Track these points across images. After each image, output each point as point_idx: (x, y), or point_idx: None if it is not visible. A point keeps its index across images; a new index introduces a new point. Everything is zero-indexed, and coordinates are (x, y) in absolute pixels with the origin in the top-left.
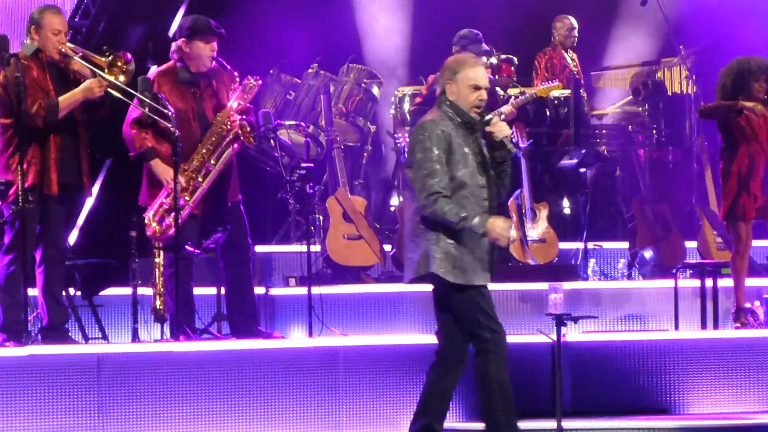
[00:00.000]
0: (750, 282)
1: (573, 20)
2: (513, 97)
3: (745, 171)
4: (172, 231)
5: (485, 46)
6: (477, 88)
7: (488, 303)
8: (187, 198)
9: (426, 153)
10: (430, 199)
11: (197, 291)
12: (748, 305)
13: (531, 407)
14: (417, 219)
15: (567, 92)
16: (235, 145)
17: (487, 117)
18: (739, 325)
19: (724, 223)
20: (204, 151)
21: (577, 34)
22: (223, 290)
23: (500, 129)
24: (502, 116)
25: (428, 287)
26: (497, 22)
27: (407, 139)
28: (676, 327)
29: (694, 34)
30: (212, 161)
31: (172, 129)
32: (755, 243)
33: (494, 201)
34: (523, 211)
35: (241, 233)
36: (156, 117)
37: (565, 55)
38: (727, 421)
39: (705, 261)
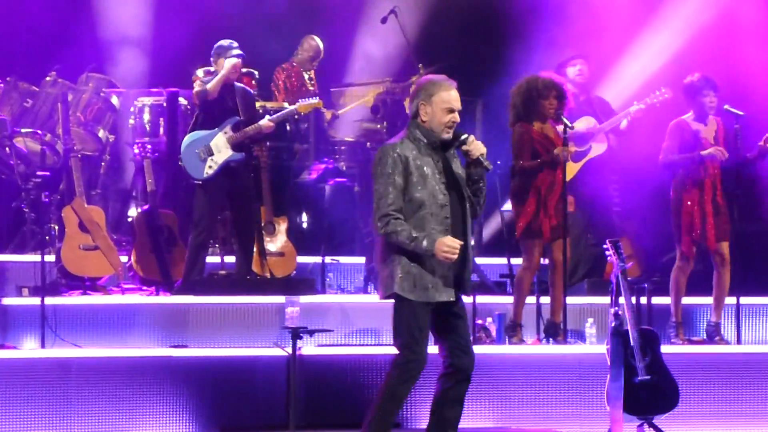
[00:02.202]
0: (483, 299)
1: (321, 46)
2: (271, 112)
3: (544, 190)
4: None
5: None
6: (451, 110)
7: (423, 325)
8: None
9: (380, 177)
10: (383, 221)
11: None
12: (480, 321)
13: (266, 420)
14: (380, 240)
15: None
16: None
17: (463, 137)
18: (516, 340)
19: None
20: None
21: (318, 63)
22: None
23: (476, 147)
24: (261, 129)
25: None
26: (239, 34)
27: (147, 149)
28: None
29: (432, 53)
30: None
31: None
32: (488, 261)
33: (464, 218)
34: (263, 224)
35: None
36: None
37: (304, 73)
38: None
39: None
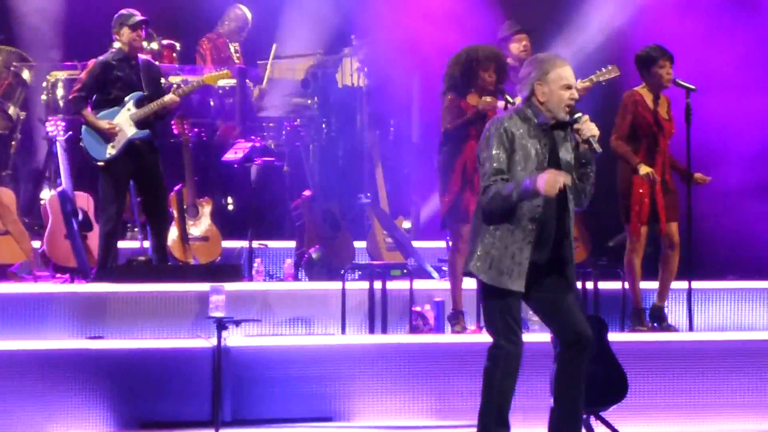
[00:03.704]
0: (420, 285)
1: (248, 15)
2: (175, 86)
3: (470, 167)
4: None
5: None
6: (569, 87)
7: (514, 313)
8: None
9: (486, 151)
10: (486, 193)
11: None
12: (418, 309)
13: (189, 416)
14: (474, 215)
15: (233, 82)
16: None
17: (576, 116)
18: (458, 329)
19: (395, 222)
20: None
21: (246, 33)
22: None
23: (588, 128)
24: (165, 105)
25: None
26: (160, 3)
27: (61, 127)
28: (343, 331)
29: (366, 25)
30: None
31: None
32: (425, 244)
33: (561, 208)
34: (185, 207)
35: None
36: None
37: (230, 45)
38: (392, 431)
39: (374, 262)
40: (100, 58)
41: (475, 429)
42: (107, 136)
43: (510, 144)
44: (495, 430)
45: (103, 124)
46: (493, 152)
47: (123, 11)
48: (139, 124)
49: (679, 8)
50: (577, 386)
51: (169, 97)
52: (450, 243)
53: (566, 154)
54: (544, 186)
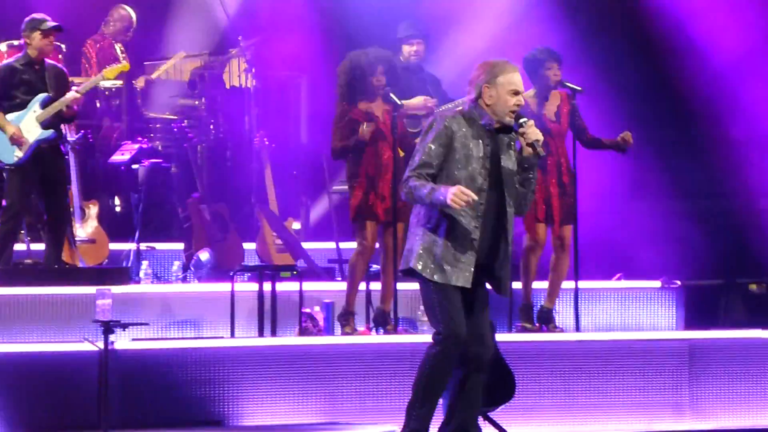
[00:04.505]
0: (310, 286)
1: (133, 15)
2: (77, 83)
3: (372, 171)
4: None
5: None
6: (516, 93)
7: (457, 304)
8: None
9: (422, 143)
10: (404, 184)
11: None
12: (307, 310)
13: (76, 420)
14: (414, 212)
15: (119, 83)
16: None
17: (522, 120)
18: (348, 329)
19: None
20: None
21: (132, 33)
22: None
23: (533, 132)
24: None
25: None
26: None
27: None
28: (232, 334)
29: (252, 25)
30: None
31: None
32: (315, 246)
33: (500, 210)
34: (71, 209)
35: None
36: None
37: (116, 45)
38: None
39: (264, 264)
40: (4, 62)
41: (365, 429)
42: (14, 140)
43: (449, 142)
44: (420, 414)
45: (10, 129)
46: (428, 145)
47: (35, 15)
48: (45, 125)
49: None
50: (475, 401)
51: (71, 94)
52: (337, 244)
53: (507, 160)
54: (452, 199)
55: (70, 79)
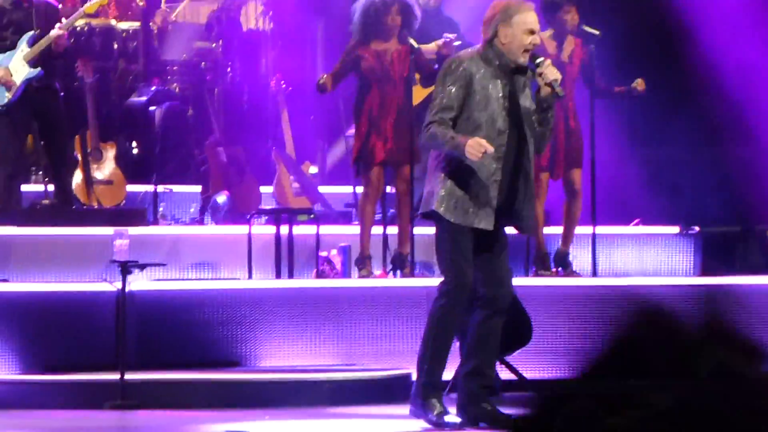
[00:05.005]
0: (327, 230)
1: None
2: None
3: (376, 111)
4: None
5: None
6: (531, 32)
7: (468, 254)
8: None
9: (440, 86)
10: (425, 130)
11: None
12: (324, 254)
13: (94, 361)
14: (432, 155)
15: (136, 24)
16: None
17: (539, 60)
18: (364, 273)
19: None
20: None
21: None
22: None
23: (550, 71)
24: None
25: None
26: None
27: None
28: (250, 276)
29: None
30: None
31: None
32: (332, 189)
33: (521, 150)
34: (89, 150)
35: None
36: None
37: None
38: (299, 374)
39: (280, 207)
40: None
41: (380, 372)
42: (3, 81)
43: (468, 84)
44: (430, 366)
45: None
46: (447, 88)
47: None
48: (33, 63)
49: None
50: (493, 345)
51: (54, 32)
52: (354, 189)
53: (525, 100)
54: (469, 151)
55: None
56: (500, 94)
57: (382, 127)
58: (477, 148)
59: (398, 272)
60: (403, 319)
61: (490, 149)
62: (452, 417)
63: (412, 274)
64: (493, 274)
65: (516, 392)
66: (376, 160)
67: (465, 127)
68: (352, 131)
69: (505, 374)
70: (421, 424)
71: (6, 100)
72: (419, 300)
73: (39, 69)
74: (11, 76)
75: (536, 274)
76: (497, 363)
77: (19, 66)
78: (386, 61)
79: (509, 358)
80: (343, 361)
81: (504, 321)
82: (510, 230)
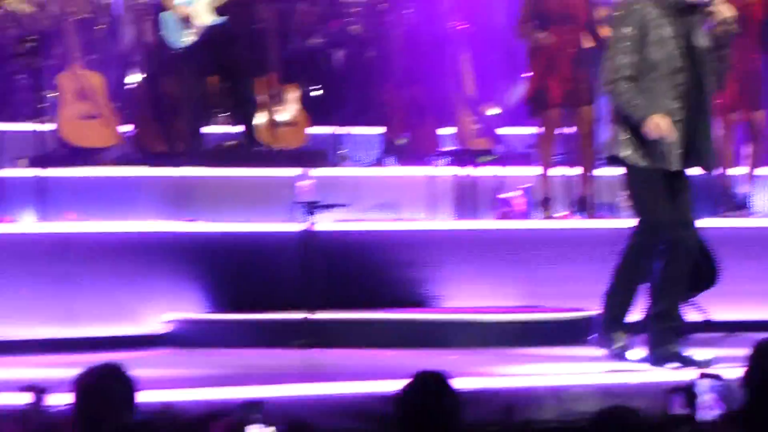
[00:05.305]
0: (508, 171)
1: None
2: None
3: (553, 50)
4: None
5: None
6: None
7: (660, 195)
8: None
9: (615, 31)
10: (608, 78)
11: None
12: (505, 195)
13: (279, 300)
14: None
15: None
16: None
17: None
18: (546, 215)
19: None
20: None
21: None
22: None
23: (725, 8)
24: None
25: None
26: None
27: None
28: (432, 217)
29: None
30: None
31: None
32: (513, 131)
33: (700, 88)
34: (271, 92)
35: None
36: None
37: None
38: (483, 315)
39: (461, 148)
40: None
41: (565, 313)
42: (186, 23)
43: (643, 26)
44: (617, 303)
45: (181, 9)
46: (623, 33)
47: None
48: (220, 10)
49: None
50: (679, 286)
51: None
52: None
53: (700, 38)
54: (649, 127)
55: None
56: (675, 34)
57: (559, 67)
58: (656, 130)
59: (579, 214)
60: (586, 261)
61: (672, 136)
62: (634, 353)
63: (594, 216)
64: (679, 215)
65: (702, 333)
66: (553, 101)
67: (642, 68)
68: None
69: (692, 315)
70: (606, 365)
71: (182, 44)
72: (602, 241)
73: (225, 17)
74: (194, 18)
75: (721, 216)
76: (684, 304)
77: (203, 11)
78: (567, 1)
79: (695, 300)
80: (526, 303)
81: (690, 263)
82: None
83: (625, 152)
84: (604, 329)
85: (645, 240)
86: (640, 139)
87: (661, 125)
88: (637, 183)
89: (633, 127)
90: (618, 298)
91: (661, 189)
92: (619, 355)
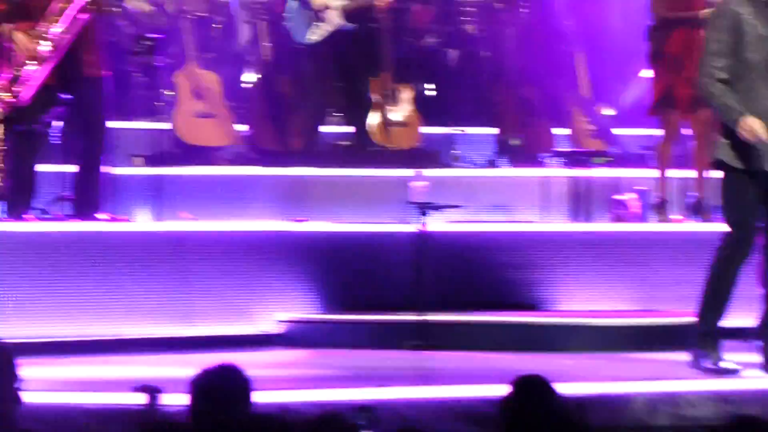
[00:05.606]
0: (623, 173)
1: None
2: None
3: (679, 51)
4: (19, 102)
5: None
6: None
7: (749, 206)
8: (36, 67)
9: (709, 33)
10: (702, 81)
11: (45, 168)
12: (620, 197)
13: (391, 300)
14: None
15: None
16: (84, 15)
17: None
18: (662, 218)
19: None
20: (51, 18)
21: None
22: (72, 169)
23: None
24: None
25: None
26: None
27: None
28: (545, 218)
29: None
30: (60, 29)
31: None
32: (628, 132)
33: None
34: (385, 92)
35: (94, 109)
36: None
37: None
38: (597, 319)
39: (576, 149)
40: None
41: (681, 318)
42: (314, 19)
43: (737, 26)
44: (707, 315)
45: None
46: (716, 34)
47: None
48: (349, 16)
49: None
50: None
51: None
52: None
53: None
54: (743, 128)
55: None
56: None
57: (686, 70)
58: (750, 132)
59: (696, 217)
60: (702, 265)
61: (764, 138)
62: (728, 363)
63: (709, 219)
64: None
65: None
66: (678, 104)
67: (738, 69)
68: (646, 73)
69: None
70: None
71: (307, 40)
72: (717, 245)
73: (353, 25)
74: (325, 16)
75: None
76: None
77: (333, 14)
78: (688, 2)
79: None
80: (641, 307)
81: None
82: None
83: (722, 155)
84: (697, 344)
85: (731, 249)
86: (737, 142)
87: (755, 127)
88: (728, 187)
89: (730, 129)
90: (707, 309)
91: (755, 194)
92: (714, 369)
